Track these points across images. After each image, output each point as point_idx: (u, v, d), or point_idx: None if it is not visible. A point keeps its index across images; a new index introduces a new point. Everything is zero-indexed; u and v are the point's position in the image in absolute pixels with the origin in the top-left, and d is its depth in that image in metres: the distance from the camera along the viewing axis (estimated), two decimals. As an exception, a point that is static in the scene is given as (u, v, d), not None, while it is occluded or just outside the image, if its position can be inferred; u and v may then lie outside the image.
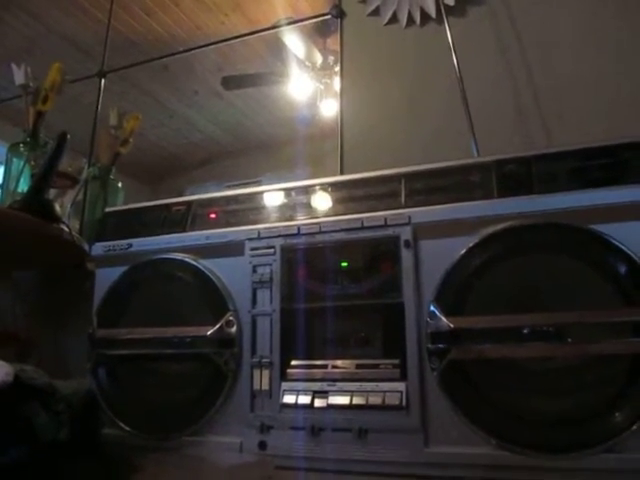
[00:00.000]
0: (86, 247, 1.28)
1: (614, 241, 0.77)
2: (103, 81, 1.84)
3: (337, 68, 2.08)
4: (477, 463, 0.78)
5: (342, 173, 1.36)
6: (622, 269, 0.76)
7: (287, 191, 0.99)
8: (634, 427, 0.72)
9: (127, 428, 0.97)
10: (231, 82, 2.43)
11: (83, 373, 1.04)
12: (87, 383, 1.00)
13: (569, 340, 0.76)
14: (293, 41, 2.19)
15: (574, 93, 1.17)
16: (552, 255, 0.81)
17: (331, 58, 2.17)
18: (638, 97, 1.10)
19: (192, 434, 0.93)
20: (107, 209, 1.16)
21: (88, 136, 1.80)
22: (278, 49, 2.21)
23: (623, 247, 0.76)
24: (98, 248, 1.08)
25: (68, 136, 1.24)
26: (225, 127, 2.60)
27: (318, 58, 2.24)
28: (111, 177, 1.58)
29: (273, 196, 0.99)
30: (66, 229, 1.23)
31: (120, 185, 1.59)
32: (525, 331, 0.78)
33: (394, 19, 1.40)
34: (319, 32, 2.18)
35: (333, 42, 2.09)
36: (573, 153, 0.83)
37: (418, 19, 1.36)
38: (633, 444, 0.71)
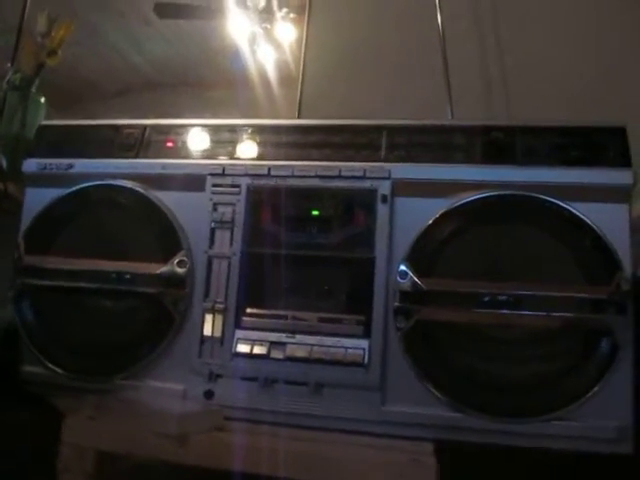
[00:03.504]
0: (3, 163, 1.13)
1: (587, 220, 0.78)
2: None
3: (280, 14, 1.99)
4: (431, 423, 0.78)
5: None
6: (591, 248, 0.79)
7: (258, 128, 0.92)
8: (585, 397, 0.75)
9: (52, 366, 0.88)
10: (165, 9, 2.24)
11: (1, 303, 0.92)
12: (7, 314, 0.89)
13: (530, 311, 0.77)
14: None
15: (540, 74, 1.19)
16: (526, 227, 0.82)
17: (275, 2, 2.06)
18: (602, 84, 1.13)
19: (129, 377, 0.86)
20: (44, 122, 1.02)
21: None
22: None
23: (594, 227, 0.78)
24: (31, 165, 0.95)
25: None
26: (150, 57, 2.39)
27: (261, -1, 2.12)
28: (33, 90, 1.40)
29: (242, 131, 0.91)
30: (-17, 140, 1.07)
31: (43, 101, 1.41)
32: (487, 299, 0.79)
33: (370, -33, 1.34)
34: (265, -27, 2.06)
35: (280, -14, 1.98)
36: (557, 130, 0.84)
37: (396, -29, 1.31)
38: (583, 413, 0.75)
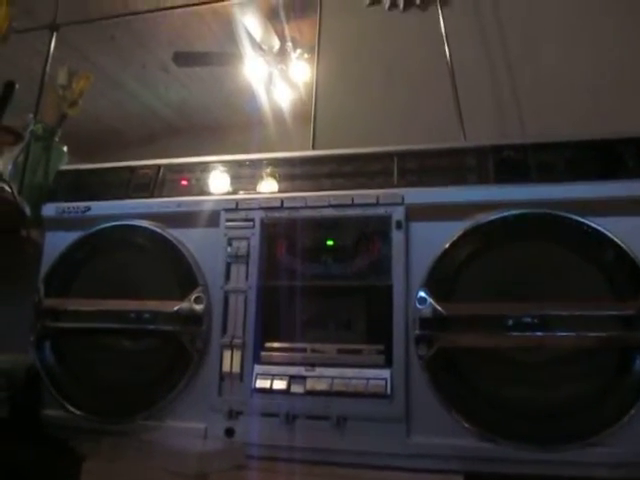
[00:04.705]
0: (27, 211, 1.16)
1: (609, 234, 0.76)
2: (52, 37, 1.68)
3: (294, 55, 2.03)
4: (461, 455, 0.75)
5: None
6: (615, 263, 0.76)
7: (270, 162, 0.92)
8: (621, 421, 0.71)
9: (72, 409, 0.87)
10: (183, 58, 2.32)
11: (20, 348, 0.93)
12: (28, 358, 0.89)
13: (557, 331, 0.75)
14: (250, 20, 2.11)
15: (552, 90, 1.17)
16: (546, 246, 0.79)
17: (289, 45, 2.11)
18: (617, 100, 1.11)
19: (149, 418, 0.84)
20: (62, 167, 1.04)
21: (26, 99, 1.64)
22: (233, 29, 2.13)
23: (617, 241, 0.75)
24: (50, 209, 0.97)
25: (16, 85, 1.11)
26: (170, 104, 2.47)
27: (275, 42, 2.18)
28: (56, 140, 1.44)
29: (254, 166, 0.92)
30: (7, 188, 1.10)
31: (65, 150, 1.45)
32: (511, 322, 0.76)
33: (377, 0, 1.36)
34: (277, 18, 2.12)
35: (292, 29, 2.03)
36: (570, 144, 0.82)
37: (402, 3, 1.33)
38: (620, 437, 0.71)
